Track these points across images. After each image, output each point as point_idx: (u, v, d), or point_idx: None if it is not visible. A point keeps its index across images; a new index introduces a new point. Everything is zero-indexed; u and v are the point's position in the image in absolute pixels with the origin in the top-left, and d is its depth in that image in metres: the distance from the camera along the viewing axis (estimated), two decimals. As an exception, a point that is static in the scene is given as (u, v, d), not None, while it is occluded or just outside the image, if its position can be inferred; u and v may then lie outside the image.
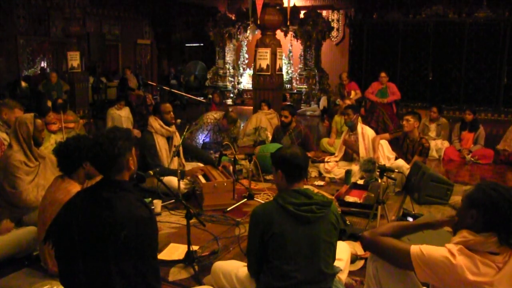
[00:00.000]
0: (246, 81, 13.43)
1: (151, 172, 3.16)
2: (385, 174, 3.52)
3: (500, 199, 1.70)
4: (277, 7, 7.45)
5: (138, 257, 1.73)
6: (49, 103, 9.12)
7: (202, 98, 11.22)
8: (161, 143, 4.49)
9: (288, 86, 12.82)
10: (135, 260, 1.73)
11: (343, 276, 2.43)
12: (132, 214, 1.74)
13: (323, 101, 11.28)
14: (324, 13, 13.00)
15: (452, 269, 1.70)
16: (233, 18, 12.97)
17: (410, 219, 3.44)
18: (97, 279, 1.73)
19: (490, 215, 1.72)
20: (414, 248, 1.82)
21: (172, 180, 4.08)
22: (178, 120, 5.54)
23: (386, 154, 5.09)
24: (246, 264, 2.34)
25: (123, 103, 7.98)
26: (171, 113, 4.58)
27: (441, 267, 1.73)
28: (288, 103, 11.46)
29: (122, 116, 7.77)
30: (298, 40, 12.40)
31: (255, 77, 7.59)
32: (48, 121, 5.31)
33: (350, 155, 5.37)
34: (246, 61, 13.58)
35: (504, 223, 1.69)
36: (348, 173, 4.85)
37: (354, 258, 2.90)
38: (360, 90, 8.58)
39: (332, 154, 5.86)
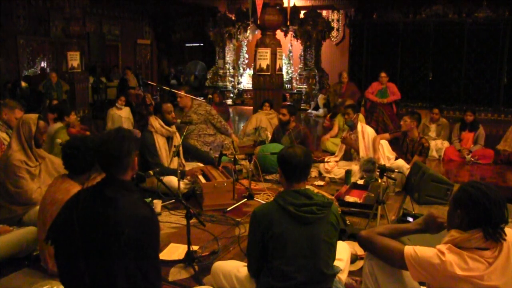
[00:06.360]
0: (246, 81, 13.43)
1: (151, 172, 3.15)
2: (385, 174, 3.52)
3: (479, 195, 1.76)
4: (277, 7, 7.46)
5: (140, 257, 1.73)
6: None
7: (202, 98, 11.21)
8: (161, 143, 4.49)
9: (288, 86, 12.84)
10: (137, 259, 1.73)
11: (343, 276, 2.43)
12: (135, 214, 1.75)
13: (320, 99, 11.26)
14: (324, 13, 13.01)
15: (442, 267, 1.76)
16: (233, 18, 12.98)
17: (410, 219, 3.44)
18: (98, 278, 1.74)
19: (472, 212, 1.78)
20: (408, 249, 1.88)
21: (172, 180, 4.08)
22: (179, 120, 5.54)
23: (386, 154, 5.09)
24: (246, 264, 2.34)
25: (123, 98, 7.97)
26: (172, 113, 4.59)
27: (433, 266, 1.79)
28: (288, 103, 11.46)
29: (122, 116, 7.77)
30: (298, 40, 12.40)
31: (255, 77, 7.60)
32: (71, 121, 5.21)
33: (350, 154, 5.37)
34: (246, 61, 13.59)
35: (486, 217, 1.75)
36: (348, 173, 4.85)
37: (354, 258, 2.90)
38: (358, 92, 8.50)
39: (332, 154, 5.86)
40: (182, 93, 5.70)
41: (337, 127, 6.67)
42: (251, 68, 11.22)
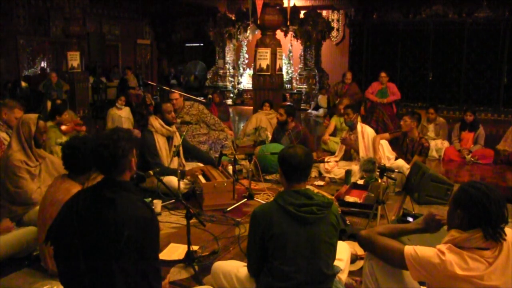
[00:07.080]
0: (246, 81, 13.44)
1: (151, 172, 3.15)
2: (385, 174, 3.52)
3: (478, 194, 1.76)
4: (277, 7, 7.45)
5: (140, 257, 1.73)
6: (49, 103, 9.16)
7: (202, 98, 11.22)
8: (161, 143, 4.49)
9: (288, 86, 12.84)
10: (136, 260, 1.73)
11: (343, 276, 2.44)
12: (135, 215, 1.75)
13: (322, 99, 11.26)
14: (324, 13, 13.02)
15: (443, 266, 1.76)
16: (233, 18, 12.99)
17: (410, 219, 3.44)
18: (98, 279, 1.74)
19: (472, 211, 1.78)
20: (408, 249, 1.88)
21: (172, 180, 4.07)
22: (179, 120, 5.54)
23: (386, 154, 5.08)
24: (246, 264, 2.34)
25: (123, 98, 7.97)
26: (172, 113, 4.59)
27: (433, 265, 1.79)
28: (288, 103, 11.46)
29: (122, 116, 7.77)
30: (298, 40, 12.41)
31: (255, 77, 7.59)
32: (63, 120, 5.18)
33: (350, 154, 5.37)
34: (246, 61, 13.59)
35: (486, 217, 1.75)
36: (348, 173, 4.85)
37: (354, 258, 2.90)
38: (359, 93, 8.48)
39: (332, 154, 5.86)
40: (177, 94, 5.66)
41: (333, 125, 6.67)
42: (251, 68, 11.22)
